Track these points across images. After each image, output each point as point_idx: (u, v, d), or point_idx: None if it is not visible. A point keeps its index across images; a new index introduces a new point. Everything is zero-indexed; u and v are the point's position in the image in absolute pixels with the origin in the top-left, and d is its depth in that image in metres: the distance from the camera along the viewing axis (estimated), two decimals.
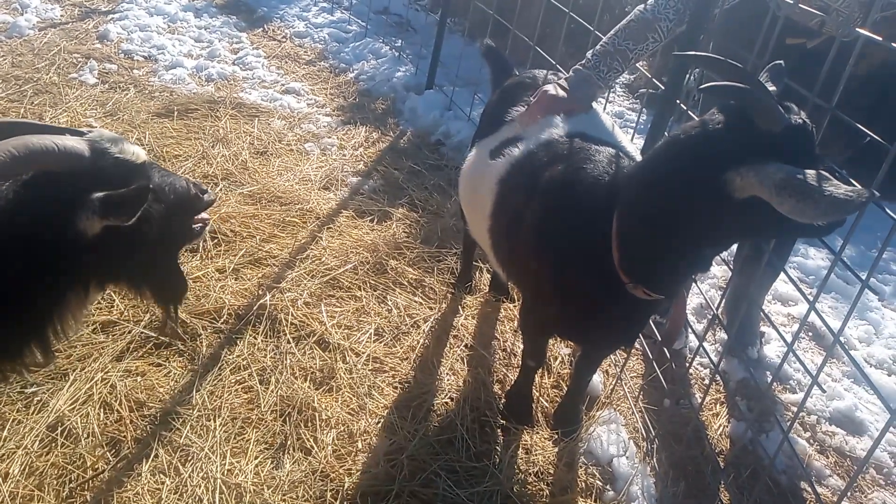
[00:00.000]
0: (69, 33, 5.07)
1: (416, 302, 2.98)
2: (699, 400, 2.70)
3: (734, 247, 3.09)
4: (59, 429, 2.12)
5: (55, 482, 1.98)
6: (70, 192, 1.36)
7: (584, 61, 2.31)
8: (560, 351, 2.82)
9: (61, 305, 1.48)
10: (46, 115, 3.87)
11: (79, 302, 1.53)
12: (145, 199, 1.39)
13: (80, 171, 1.38)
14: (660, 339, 2.73)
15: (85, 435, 2.12)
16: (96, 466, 2.04)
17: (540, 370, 2.57)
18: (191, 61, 4.97)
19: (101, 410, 2.21)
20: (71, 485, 1.98)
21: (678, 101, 2.57)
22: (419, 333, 2.80)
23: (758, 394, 2.81)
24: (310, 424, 2.29)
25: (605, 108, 2.77)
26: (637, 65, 2.49)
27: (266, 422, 2.29)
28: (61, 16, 5.36)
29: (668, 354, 2.75)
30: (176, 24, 5.61)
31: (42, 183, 1.35)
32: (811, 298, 1.92)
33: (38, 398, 2.20)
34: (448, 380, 2.60)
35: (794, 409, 2.78)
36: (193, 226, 1.79)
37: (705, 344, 2.81)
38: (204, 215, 1.80)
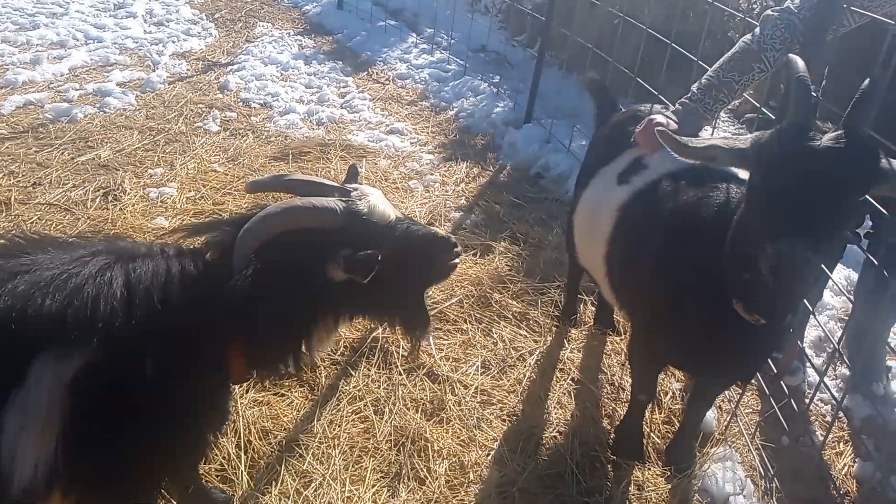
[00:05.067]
0: (194, 85, 5.53)
1: (521, 335, 3.02)
2: (821, 438, 2.58)
3: (855, 277, 2.95)
4: None
5: None
6: (322, 244, 1.60)
7: (689, 95, 2.32)
8: (671, 386, 2.78)
9: (313, 330, 1.73)
10: (177, 163, 4.23)
11: (328, 329, 1.77)
12: (373, 267, 1.59)
13: (332, 227, 1.62)
14: (775, 370, 2.65)
15: (223, 456, 2.29)
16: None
17: (650, 405, 2.54)
18: (302, 106, 5.30)
19: (234, 436, 2.38)
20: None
21: None
22: (525, 366, 2.84)
23: (886, 432, 2.65)
24: (423, 454, 2.38)
25: (712, 135, 2.74)
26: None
27: (381, 451, 2.39)
28: (187, 70, 5.86)
29: (785, 390, 2.65)
30: (288, 71, 5.99)
31: (302, 235, 1.61)
32: None
33: None
34: (556, 413, 2.62)
35: None
36: (441, 268, 1.93)
37: (826, 379, 2.68)
38: (455, 261, 1.94)
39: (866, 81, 1.57)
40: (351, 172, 1.89)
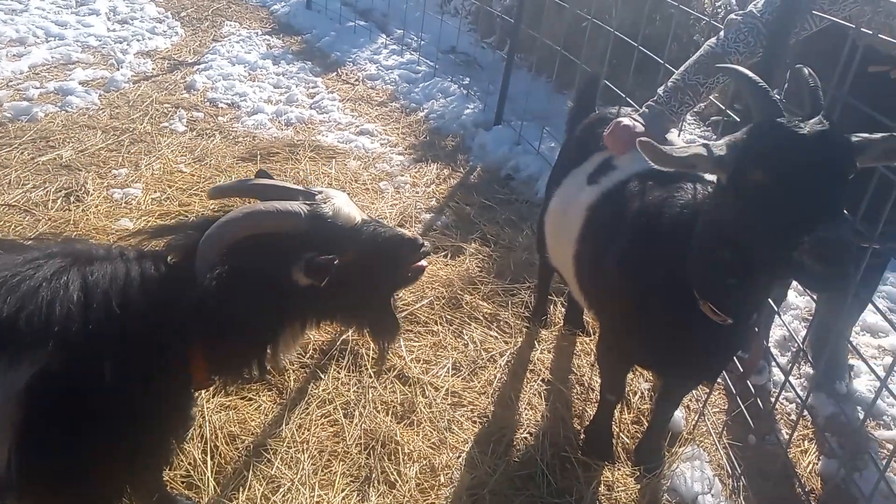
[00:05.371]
0: (160, 85, 5.43)
1: (491, 336, 3.02)
2: (786, 436, 2.63)
3: None
4: None
5: None
6: (286, 248, 1.58)
7: (655, 97, 2.34)
8: (640, 386, 2.80)
9: (278, 336, 1.71)
10: (142, 163, 4.15)
11: (294, 334, 1.75)
12: (330, 271, 1.56)
13: (296, 231, 1.60)
14: (741, 370, 2.69)
15: (189, 462, 2.24)
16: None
17: (619, 405, 2.56)
18: (271, 107, 5.24)
19: (200, 442, 2.34)
20: None
21: None
22: (496, 368, 2.84)
23: (849, 430, 2.71)
24: (393, 458, 2.36)
25: (679, 136, 2.77)
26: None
27: (351, 455, 2.36)
28: (153, 69, 5.75)
29: (752, 389, 2.69)
30: (256, 71, 5.92)
31: (266, 239, 1.58)
32: None
33: None
34: (526, 414, 2.62)
35: (891, 446, 2.66)
36: (409, 272, 1.91)
37: (791, 378, 2.73)
38: (423, 262, 1.92)
39: (803, 70, 1.64)
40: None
